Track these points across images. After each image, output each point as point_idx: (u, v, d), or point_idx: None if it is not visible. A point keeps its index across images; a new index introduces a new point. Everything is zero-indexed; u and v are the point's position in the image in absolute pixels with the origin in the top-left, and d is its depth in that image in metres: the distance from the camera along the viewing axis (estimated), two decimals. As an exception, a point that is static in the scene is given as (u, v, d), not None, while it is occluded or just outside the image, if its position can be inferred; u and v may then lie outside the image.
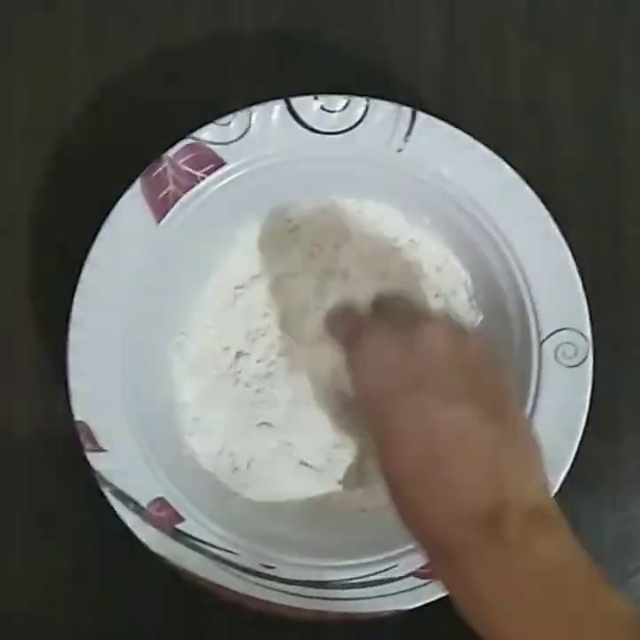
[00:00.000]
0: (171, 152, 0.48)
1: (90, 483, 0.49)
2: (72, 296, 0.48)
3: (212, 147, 0.48)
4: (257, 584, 0.49)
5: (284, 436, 0.53)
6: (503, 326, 0.50)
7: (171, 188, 0.48)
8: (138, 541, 0.49)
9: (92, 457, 0.48)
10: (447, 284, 0.53)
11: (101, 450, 0.48)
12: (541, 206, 0.49)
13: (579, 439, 0.48)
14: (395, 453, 0.40)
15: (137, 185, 0.48)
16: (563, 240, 0.49)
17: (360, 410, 0.42)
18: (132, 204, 0.48)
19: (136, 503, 0.49)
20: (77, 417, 0.48)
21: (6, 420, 0.56)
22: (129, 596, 0.55)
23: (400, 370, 0.40)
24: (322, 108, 0.48)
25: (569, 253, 0.49)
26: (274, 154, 0.49)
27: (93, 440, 0.48)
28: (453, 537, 0.37)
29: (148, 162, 0.48)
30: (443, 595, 0.48)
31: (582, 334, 0.49)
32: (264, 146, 0.49)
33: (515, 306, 0.50)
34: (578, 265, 0.49)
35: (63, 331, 0.48)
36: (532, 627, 0.36)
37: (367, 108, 0.48)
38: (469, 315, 0.53)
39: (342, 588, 0.49)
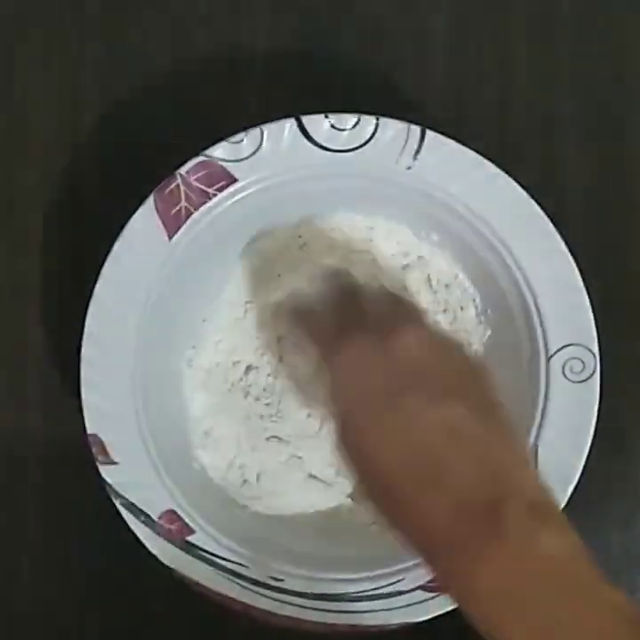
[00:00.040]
0: (183, 169, 0.49)
1: (101, 494, 0.49)
2: (85, 310, 0.49)
3: (224, 164, 0.49)
4: (266, 596, 0.49)
5: (293, 449, 0.53)
6: (511, 342, 0.51)
7: (183, 204, 0.49)
8: (148, 552, 0.49)
9: (103, 469, 0.49)
10: (456, 300, 0.53)
11: (113, 462, 0.49)
12: (549, 223, 0.49)
13: (586, 454, 0.48)
14: (382, 458, 0.39)
15: (150, 201, 0.49)
16: (570, 256, 0.49)
17: (341, 427, 0.41)
18: (145, 219, 0.49)
19: (147, 516, 0.49)
20: (90, 430, 0.49)
21: (19, 433, 0.56)
22: (138, 606, 0.56)
23: (382, 381, 0.40)
24: (332, 126, 0.49)
25: (576, 269, 0.49)
26: (284, 171, 0.49)
27: (105, 453, 0.49)
28: (452, 534, 0.37)
29: (160, 178, 0.49)
30: (450, 608, 0.48)
31: (590, 350, 0.49)
32: (275, 163, 0.49)
33: (523, 321, 0.50)
34: (585, 281, 0.49)
35: (76, 345, 0.49)
36: (532, 622, 0.36)
37: (377, 126, 0.49)
38: (478, 330, 0.53)
39: (351, 601, 0.49)
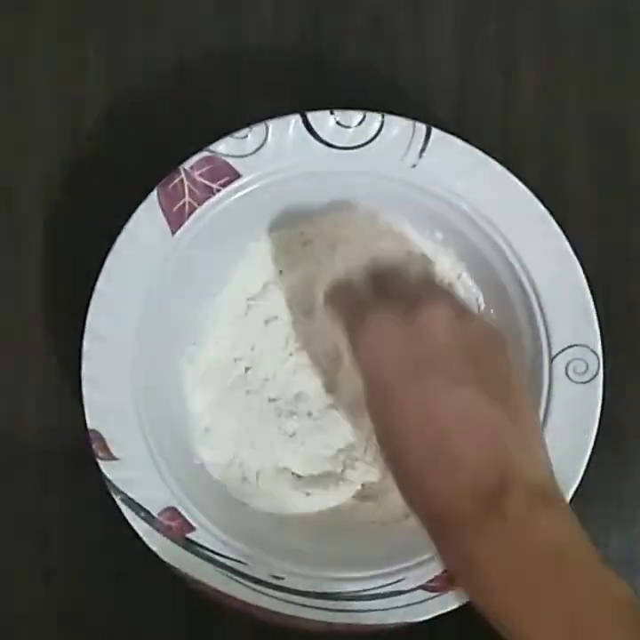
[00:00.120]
0: (187, 164, 0.49)
1: (101, 490, 0.49)
2: (87, 306, 0.48)
3: (228, 159, 0.49)
4: (266, 594, 0.49)
5: (294, 447, 0.53)
6: (514, 342, 0.50)
7: (186, 199, 0.49)
8: (147, 549, 0.49)
9: (104, 465, 0.49)
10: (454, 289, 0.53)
11: (113, 458, 0.49)
12: (554, 223, 0.49)
13: (588, 455, 0.48)
14: (398, 432, 0.40)
15: (153, 196, 0.48)
16: (574, 257, 0.49)
17: (367, 394, 0.42)
18: (148, 214, 0.49)
19: (147, 512, 0.49)
20: (90, 425, 0.49)
21: (20, 428, 0.56)
22: (137, 603, 0.55)
23: (403, 355, 0.41)
24: (337, 122, 0.49)
25: (580, 270, 0.49)
26: (289, 167, 0.49)
27: (106, 449, 0.49)
28: (456, 511, 0.38)
29: (164, 174, 0.49)
30: (451, 608, 0.48)
31: (593, 351, 0.49)
32: (279, 159, 0.49)
33: (526, 322, 0.50)
34: (589, 281, 0.49)
35: (77, 340, 0.48)
36: (530, 601, 0.36)
37: (382, 123, 0.49)
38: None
39: (351, 600, 0.49)
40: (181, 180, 0.49)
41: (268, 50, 0.57)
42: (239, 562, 0.49)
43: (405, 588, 0.49)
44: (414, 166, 0.49)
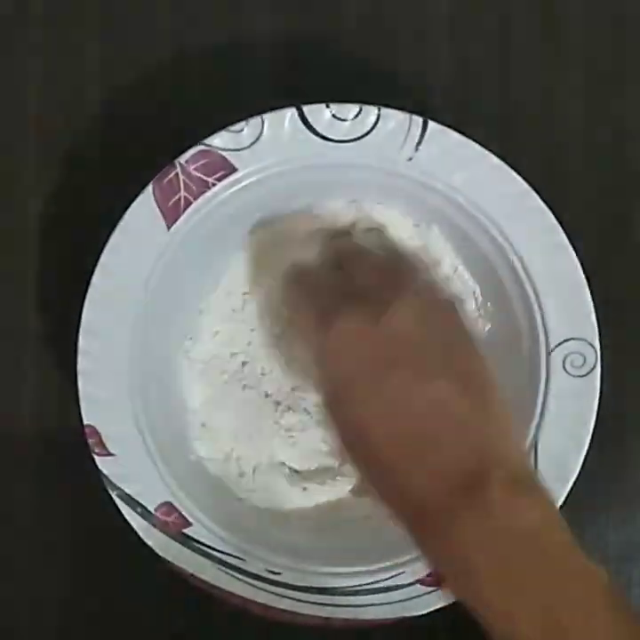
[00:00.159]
0: (182, 158, 0.48)
1: (97, 486, 0.49)
2: (83, 301, 0.48)
3: (224, 153, 0.49)
4: (263, 589, 0.49)
5: (291, 442, 0.53)
6: (512, 335, 0.51)
7: (182, 193, 0.49)
8: (144, 544, 0.49)
9: (100, 461, 0.49)
10: (456, 293, 0.53)
11: (110, 454, 0.49)
12: (551, 216, 0.49)
13: (586, 449, 0.48)
14: (369, 430, 0.40)
15: (148, 190, 0.48)
16: (572, 250, 0.49)
17: (327, 395, 0.42)
18: (144, 209, 0.48)
19: (143, 507, 0.49)
20: (86, 421, 0.48)
21: (16, 424, 0.56)
22: (133, 598, 0.55)
23: (372, 353, 0.40)
24: (334, 115, 0.48)
25: (578, 263, 0.49)
26: (285, 161, 0.49)
27: (102, 444, 0.49)
28: (434, 502, 0.38)
29: (159, 168, 0.48)
30: (449, 602, 0.48)
31: (591, 344, 0.49)
32: (275, 153, 0.49)
33: (523, 315, 0.50)
34: (587, 275, 0.49)
35: (73, 335, 0.48)
36: (509, 588, 0.37)
37: (379, 116, 0.48)
38: (477, 324, 0.53)
39: (349, 595, 0.49)
40: (177, 175, 0.48)
41: (265, 43, 0.57)
42: (236, 557, 0.49)
43: (403, 583, 0.49)
44: (411, 159, 0.49)
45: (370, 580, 0.49)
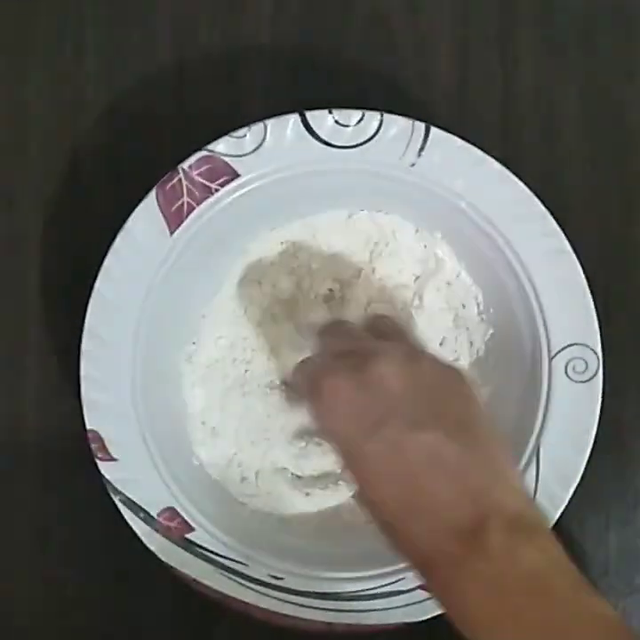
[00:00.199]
0: (185, 164, 0.48)
1: (100, 491, 0.49)
2: (86, 306, 0.48)
3: (227, 159, 0.49)
4: (265, 595, 0.49)
5: (293, 447, 0.53)
6: (514, 340, 0.51)
7: (185, 199, 0.49)
8: (146, 549, 0.49)
9: (102, 466, 0.49)
10: (458, 298, 0.53)
11: (112, 459, 0.49)
12: (553, 222, 0.49)
13: (588, 454, 0.48)
14: (370, 487, 0.40)
15: (151, 196, 0.48)
16: (574, 256, 0.49)
17: (336, 455, 0.43)
18: (147, 214, 0.48)
19: (146, 512, 0.49)
20: (89, 426, 0.49)
21: (20, 429, 0.56)
22: (135, 603, 0.55)
23: (361, 411, 0.40)
24: (336, 121, 0.49)
25: (580, 269, 0.49)
26: (288, 167, 0.49)
27: (104, 449, 0.49)
28: (438, 553, 0.38)
29: (161, 173, 0.48)
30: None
31: (593, 350, 0.49)
32: (278, 159, 0.49)
33: (525, 321, 0.50)
34: (589, 280, 0.49)
35: (76, 340, 0.48)
36: (516, 633, 0.36)
37: (381, 122, 0.48)
38: (480, 329, 0.53)
39: (351, 600, 0.49)
40: (180, 180, 0.48)
41: (267, 50, 0.57)
42: (239, 562, 0.49)
43: (405, 588, 0.49)
44: (413, 165, 0.49)
45: (372, 586, 0.49)
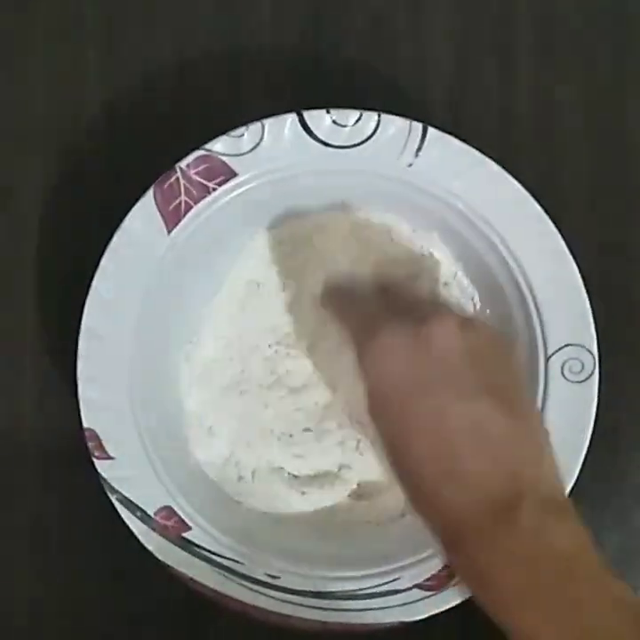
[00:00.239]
0: (183, 163, 0.49)
1: (97, 489, 0.49)
2: (83, 305, 0.48)
3: (225, 158, 0.49)
4: (262, 594, 0.49)
5: (289, 446, 0.53)
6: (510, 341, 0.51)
7: (183, 198, 0.49)
8: (143, 548, 0.49)
9: (99, 464, 0.49)
10: (454, 299, 0.53)
11: (109, 457, 0.49)
12: (550, 222, 0.49)
13: (584, 454, 0.48)
14: (411, 445, 0.40)
15: (149, 194, 0.48)
16: (570, 256, 0.49)
17: (372, 407, 0.42)
18: (144, 213, 0.49)
19: (143, 511, 0.49)
20: (86, 424, 0.49)
21: (18, 428, 0.56)
22: (133, 602, 0.55)
23: (414, 371, 0.41)
24: (334, 121, 0.49)
25: (576, 269, 0.49)
26: (285, 166, 0.49)
27: (101, 448, 0.49)
28: (469, 522, 0.38)
29: (160, 172, 0.49)
30: (447, 607, 0.48)
31: (589, 350, 0.49)
32: (276, 158, 0.49)
33: (522, 321, 0.50)
34: (588, 281, 0.49)
35: (73, 339, 0.48)
36: (543, 614, 0.37)
37: (379, 122, 0.49)
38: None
39: (347, 599, 0.49)
40: (177, 179, 0.49)
41: (267, 50, 0.57)
42: (235, 561, 0.49)
43: (401, 588, 0.49)
44: (411, 165, 0.49)
45: (368, 585, 0.49)
